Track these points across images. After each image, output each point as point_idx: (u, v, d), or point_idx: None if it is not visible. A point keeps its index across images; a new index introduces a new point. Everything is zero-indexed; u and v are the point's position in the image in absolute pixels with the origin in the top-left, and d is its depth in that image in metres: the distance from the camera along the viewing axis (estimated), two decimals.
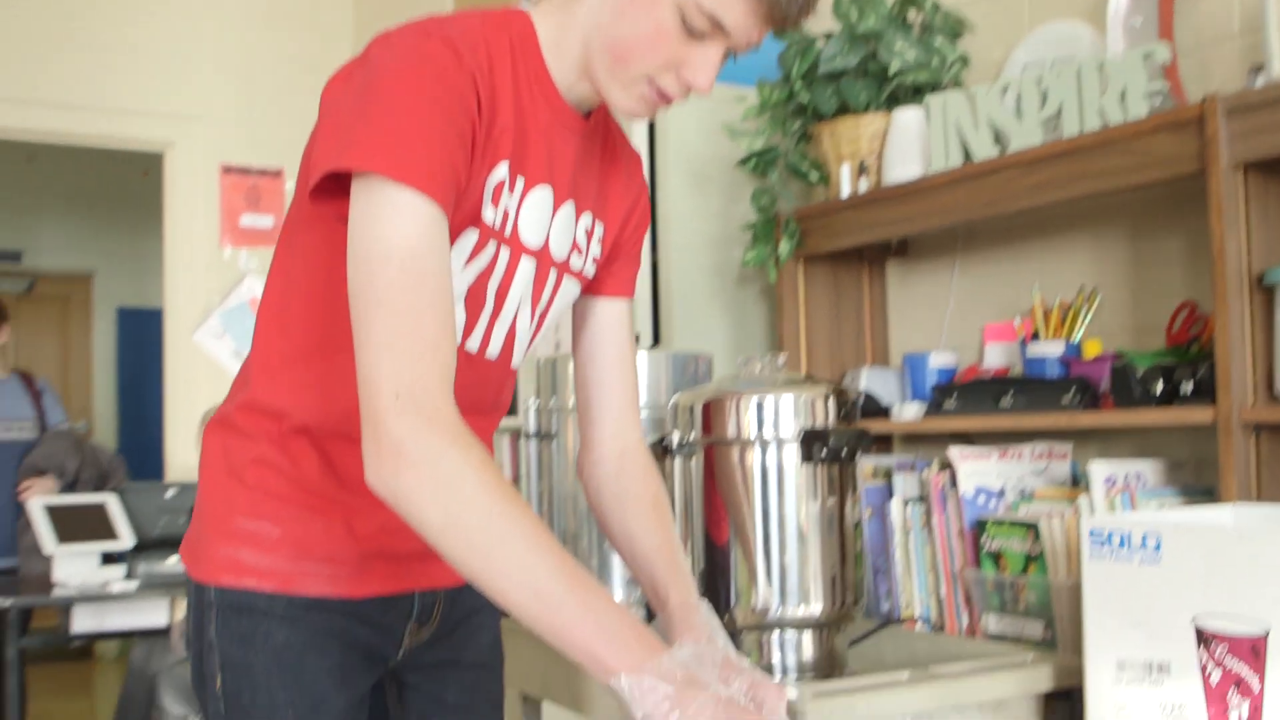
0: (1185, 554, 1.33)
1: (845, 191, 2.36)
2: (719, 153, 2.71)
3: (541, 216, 1.30)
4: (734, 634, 1.67)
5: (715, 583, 1.66)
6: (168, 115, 4.52)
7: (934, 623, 2.09)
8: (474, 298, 1.27)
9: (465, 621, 1.48)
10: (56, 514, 3.93)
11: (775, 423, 1.64)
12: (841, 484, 1.68)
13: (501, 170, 1.24)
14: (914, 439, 2.50)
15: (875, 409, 2.39)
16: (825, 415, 1.66)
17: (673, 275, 2.73)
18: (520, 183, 1.26)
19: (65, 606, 3.92)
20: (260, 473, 1.31)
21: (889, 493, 2.19)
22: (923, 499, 2.13)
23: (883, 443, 2.54)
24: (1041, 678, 1.61)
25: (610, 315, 1.47)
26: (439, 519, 1.10)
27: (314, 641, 1.31)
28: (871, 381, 2.41)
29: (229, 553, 1.31)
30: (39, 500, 3.97)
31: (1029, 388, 2.06)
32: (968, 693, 1.56)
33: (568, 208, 1.33)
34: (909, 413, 2.29)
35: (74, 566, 3.87)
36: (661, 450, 1.73)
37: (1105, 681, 1.40)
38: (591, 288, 1.46)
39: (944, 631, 2.05)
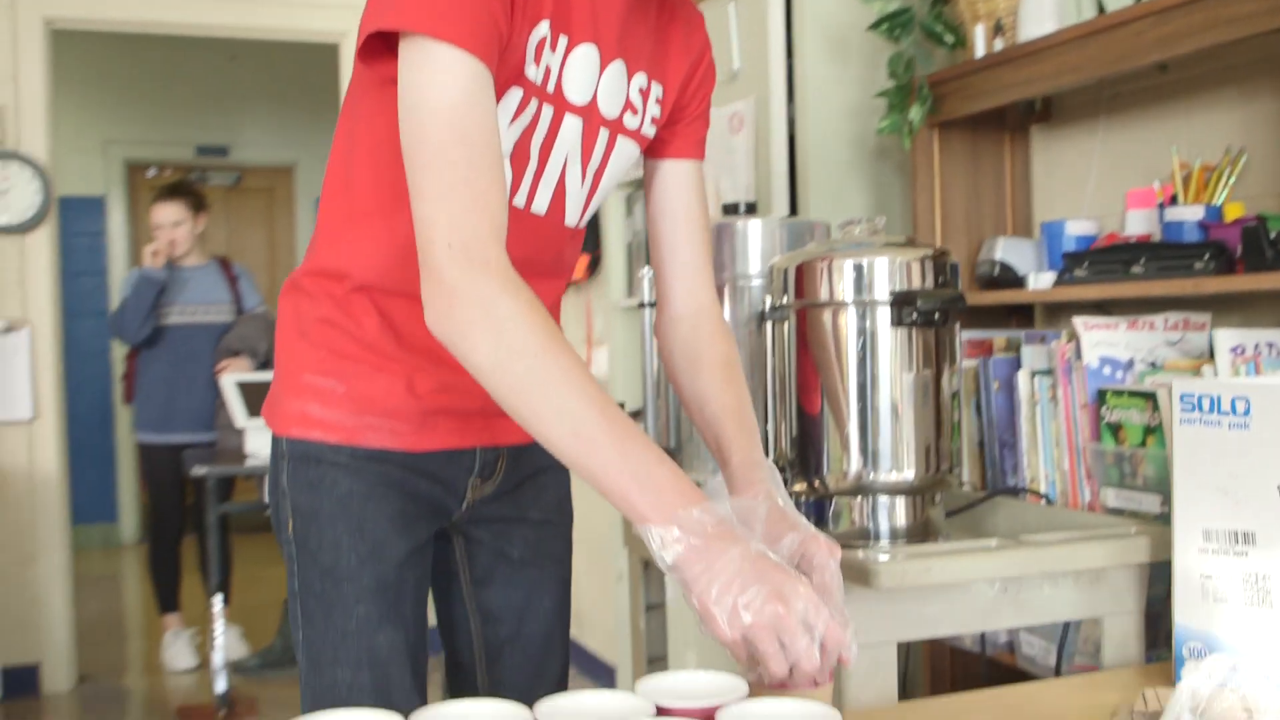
0: (1274, 418, 1.26)
1: (980, 52, 2.26)
2: (857, 19, 2.63)
3: (587, 75, 1.29)
4: (826, 500, 1.66)
5: (806, 449, 1.66)
6: (341, 6, 4.63)
7: (1058, 497, 2.04)
8: (519, 154, 1.29)
9: (531, 479, 1.51)
10: (248, 390, 4.17)
11: (868, 285, 1.61)
12: (938, 352, 1.64)
13: (543, 28, 1.23)
14: (1054, 311, 2.41)
15: (1010, 279, 2.31)
16: (921, 279, 1.62)
17: (810, 146, 2.68)
18: (563, 41, 1.26)
19: (260, 477, 4.19)
20: (325, 332, 1.36)
21: (1018, 365, 2.13)
22: (1050, 371, 2.06)
23: (1022, 315, 2.46)
24: (1138, 549, 1.56)
25: (678, 176, 1.46)
26: (488, 360, 1.13)
27: (375, 491, 1.37)
28: (1007, 251, 2.33)
29: (299, 407, 1.38)
30: (231, 377, 4.23)
31: (1162, 253, 1.95)
32: (1058, 561, 1.52)
33: (616, 66, 1.32)
34: (1041, 283, 2.21)
35: (264, 439, 4.11)
36: (759, 317, 1.72)
37: (1191, 551, 1.34)
38: (657, 149, 1.46)
39: (1065, 506, 2.00)
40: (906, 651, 2.41)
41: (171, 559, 4.74)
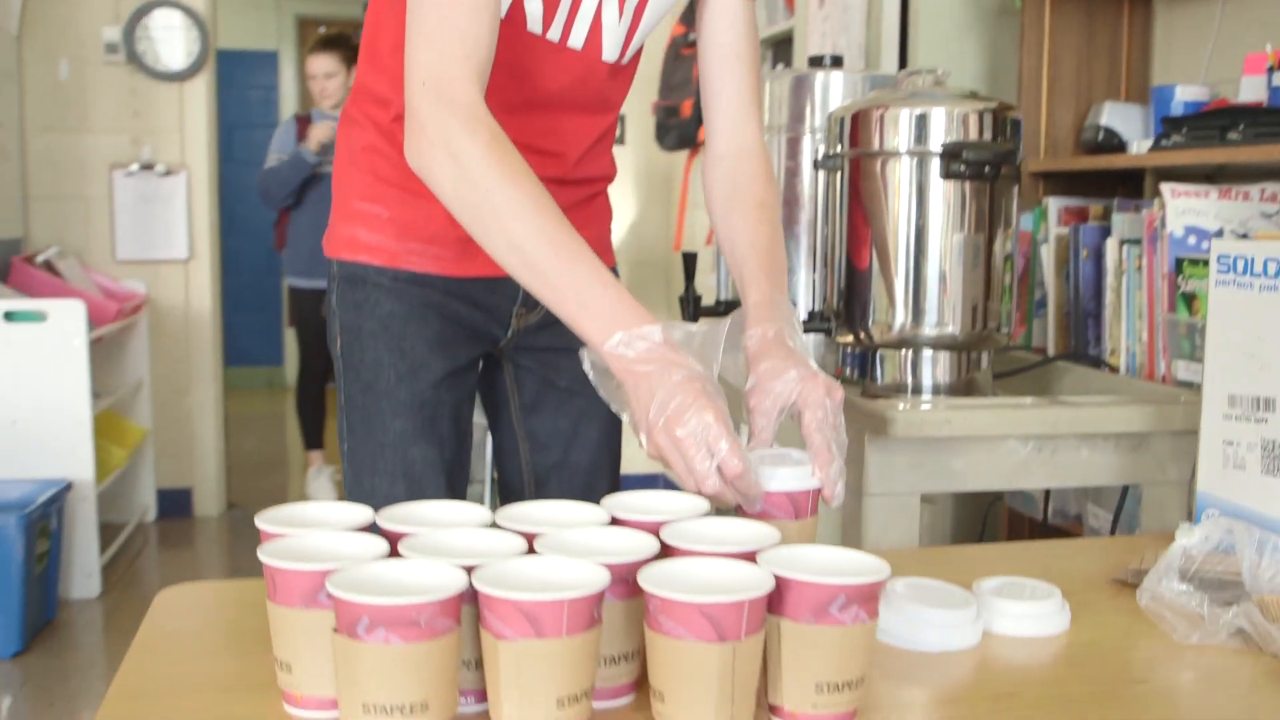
0: None
1: None
2: None
3: None
4: (870, 352, 1.66)
5: (853, 301, 1.66)
6: None
7: (1137, 369, 1.99)
8: None
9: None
10: None
11: (922, 136, 1.58)
12: (991, 211, 1.61)
13: None
14: (1163, 180, 2.31)
15: (1113, 146, 2.22)
16: (979, 132, 1.58)
17: (923, 1, 2.59)
18: None
19: None
20: (370, 158, 1.42)
21: (1108, 233, 2.07)
22: (1139, 241, 1.99)
23: (1131, 185, 2.36)
24: (1181, 417, 1.52)
25: (725, 12, 1.44)
26: (449, 193, 1.17)
27: (415, 313, 1.43)
28: (1113, 117, 2.24)
29: (348, 231, 1.45)
30: None
31: (1262, 120, 1.85)
32: (1094, 422, 1.50)
33: None
34: (1140, 148, 2.12)
35: None
36: (814, 165, 1.71)
37: (1217, 417, 1.30)
38: None
39: (1141, 379, 1.94)
40: (984, 520, 2.40)
41: (316, 398, 4.97)
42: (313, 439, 5.03)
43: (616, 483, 1.64)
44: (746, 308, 1.36)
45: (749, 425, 1.26)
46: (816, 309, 1.69)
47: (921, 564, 1.28)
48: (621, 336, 1.11)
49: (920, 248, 1.59)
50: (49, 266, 4.13)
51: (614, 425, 1.60)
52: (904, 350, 1.63)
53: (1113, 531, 1.77)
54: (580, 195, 1.50)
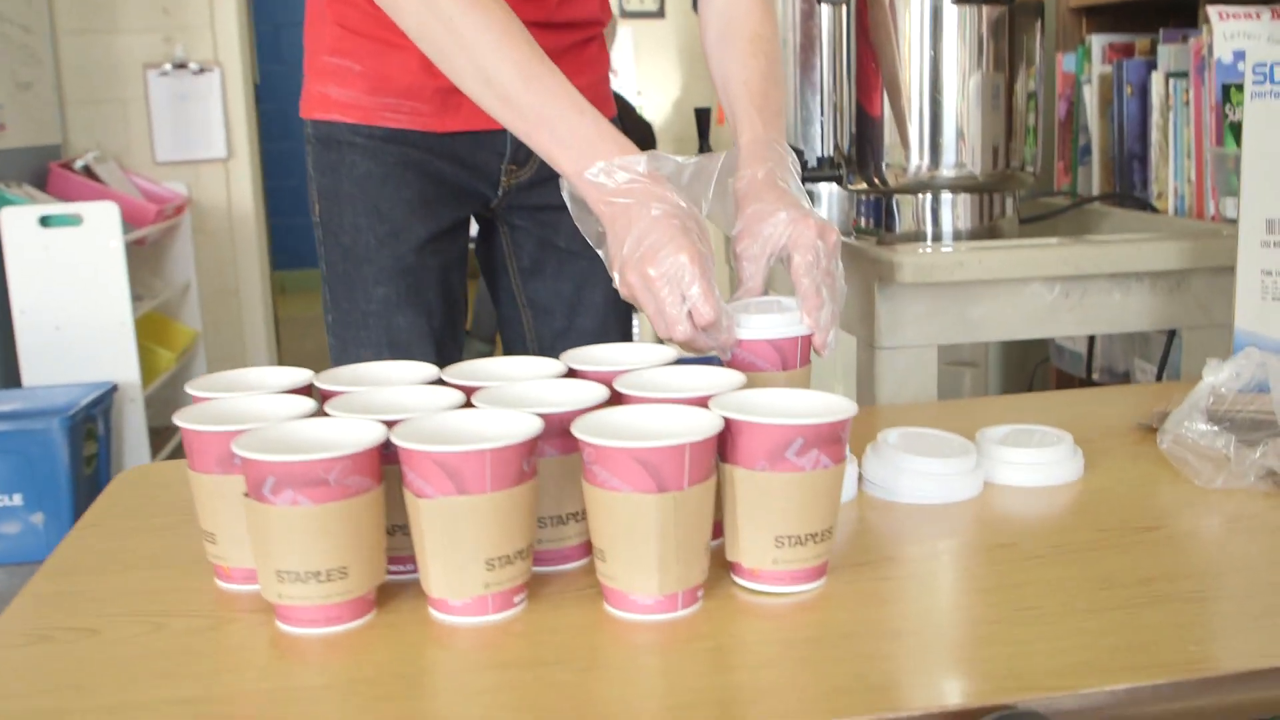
0: None
1: None
2: None
3: None
4: (885, 199, 1.55)
5: (865, 145, 1.54)
6: None
7: (1186, 210, 1.85)
8: None
9: None
10: None
11: None
12: (1012, 45, 1.47)
13: None
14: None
15: None
16: None
17: None
18: None
19: None
20: (338, 9, 1.33)
21: (1153, 67, 1.91)
22: (1186, 74, 1.84)
23: (1178, 14, 2.19)
24: (1223, 253, 1.39)
25: None
26: (413, 22, 1.08)
27: (393, 173, 1.35)
28: None
29: (319, 88, 1.37)
30: None
31: None
32: (1126, 260, 1.38)
33: None
34: None
35: None
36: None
37: (1254, 245, 1.18)
38: None
39: (1190, 220, 1.81)
40: (1030, 382, 2.28)
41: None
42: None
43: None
44: (737, 148, 1.26)
45: (736, 272, 1.17)
46: (826, 155, 1.58)
47: (929, 417, 1.19)
48: (602, 166, 1.03)
49: (935, 84, 1.46)
50: (88, 171, 4.10)
51: None
52: (921, 195, 1.51)
53: (1159, 382, 1.65)
54: (567, 41, 1.39)
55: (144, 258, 4.20)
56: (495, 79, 1.05)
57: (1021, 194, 1.58)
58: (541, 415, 0.82)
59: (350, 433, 0.81)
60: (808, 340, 1.08)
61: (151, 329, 4.03)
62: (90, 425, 3.28)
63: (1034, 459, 1.00)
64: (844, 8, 1.53)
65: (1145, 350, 1.88)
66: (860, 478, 1.01)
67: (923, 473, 0.96)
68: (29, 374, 3.50)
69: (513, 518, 0.77)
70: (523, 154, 1.39)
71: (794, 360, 1.06)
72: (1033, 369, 2.26)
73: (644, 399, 0.86)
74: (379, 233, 1.36)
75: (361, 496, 0.77)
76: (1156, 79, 1.88)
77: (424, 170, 1.36)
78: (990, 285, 1.36)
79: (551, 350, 1.54)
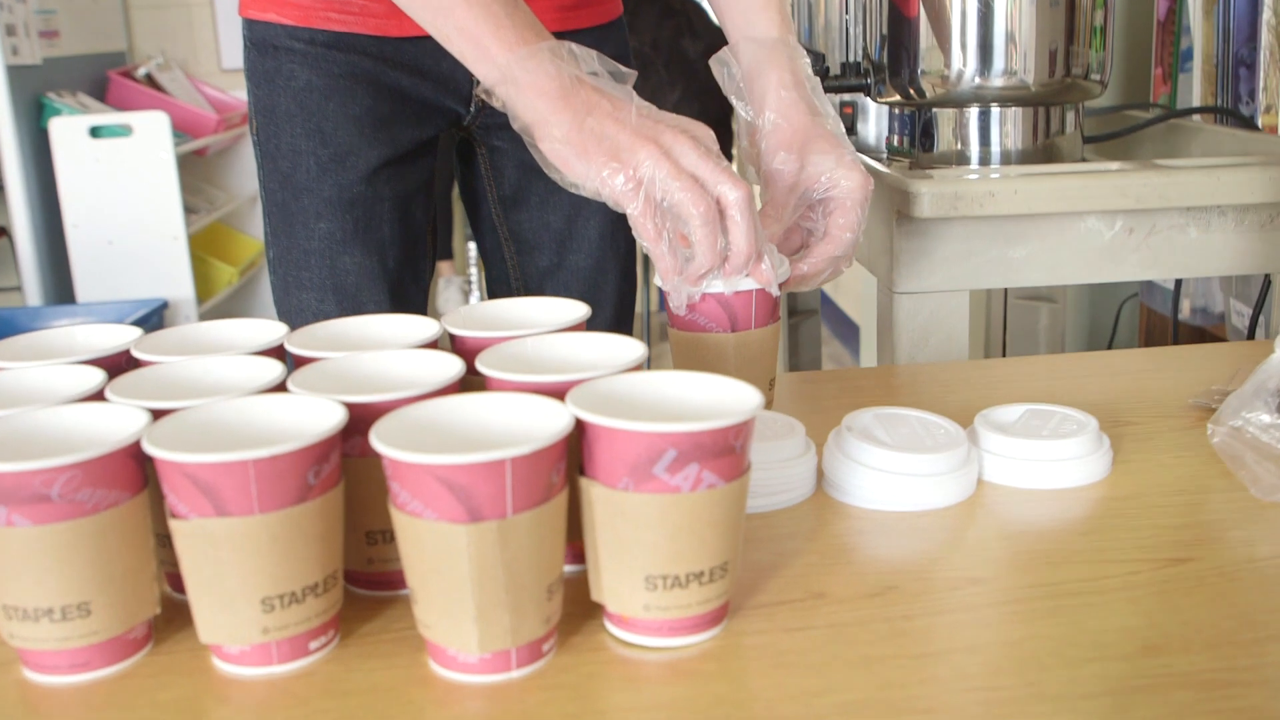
0: None
1: None
2: None
3: None
4: (923, 110, 1.31)
5: (898, 48, 1.29)
6: None
7: None
8: None
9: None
10: None
11: None
12: None
13: None
14: None
15: None
16: None
17: None
18: None
19: None
20: None
21: None
22: None
23: None
24: None
25: None
26: None
27: (339, 85, 1.16)
28: None
29: None
30: None
31: None
32: (1204, 192, 1.13)
33: None
34: None
35: None
36: None
37: None
38: None
39: None
40: (1115, 322, 2.02)
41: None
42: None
43: (628, 293, 1.36)
44: (740, 53, 1.02)
45: (762, 183, 0.96)
46: (851, 60, 1.34)
47: (938, 384, 0.97)
48: (552, 46, 0.85)
49: None
50: (150, 80, 3.98)
51: (619, 219, 1.31)
52: (965, 110, 1.27)
53: (1250, 336, 1.39)
54: None
55: (207, 168, 4.09)
56: None
57: (1087, 106, 1.33)
58: (352, 405, 0.63)
59: (113, 427, 0.63)
60: (770, 296, 0.87)
61: (213, 242, 3.93)
62: None
63: (1040, 453, 0.78)
64: None
65: (1244, 289, 1.62)
66: (820, 472, 0.80)
67: (886, 470, 0.75)
68: (83, 289, 3.42)
69: (296, 546, 0.59)
70: None
71: (746, 318, 0.86)
72: (1118, 306, 2.00)
73: (502, 383, 0.66)
74: (321, 157, 1.17)
75: (104, 514, 0.59)
76: None
77: (376, 83, 1.17)
78: (1035, 220, 1.13)
79: (539, 288, 1.34)
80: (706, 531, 0.59)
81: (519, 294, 1.35)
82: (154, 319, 3.28)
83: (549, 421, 0.59)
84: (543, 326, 0.76)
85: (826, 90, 1.33)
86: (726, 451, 0.58)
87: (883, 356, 1.20)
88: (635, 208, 0.82)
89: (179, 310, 3.44)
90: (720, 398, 0.63)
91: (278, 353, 0.77)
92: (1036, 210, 1.09)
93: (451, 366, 0.68)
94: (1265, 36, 1.61)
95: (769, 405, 0.91)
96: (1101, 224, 1.14)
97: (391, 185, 1.20)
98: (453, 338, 0.78)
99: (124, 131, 3.36)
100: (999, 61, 1.23)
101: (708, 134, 0.84)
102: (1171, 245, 1.16)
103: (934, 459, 0.75)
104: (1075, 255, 1.16)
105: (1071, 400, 0.91)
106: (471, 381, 0.69)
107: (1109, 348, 2.00)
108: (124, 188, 3.38)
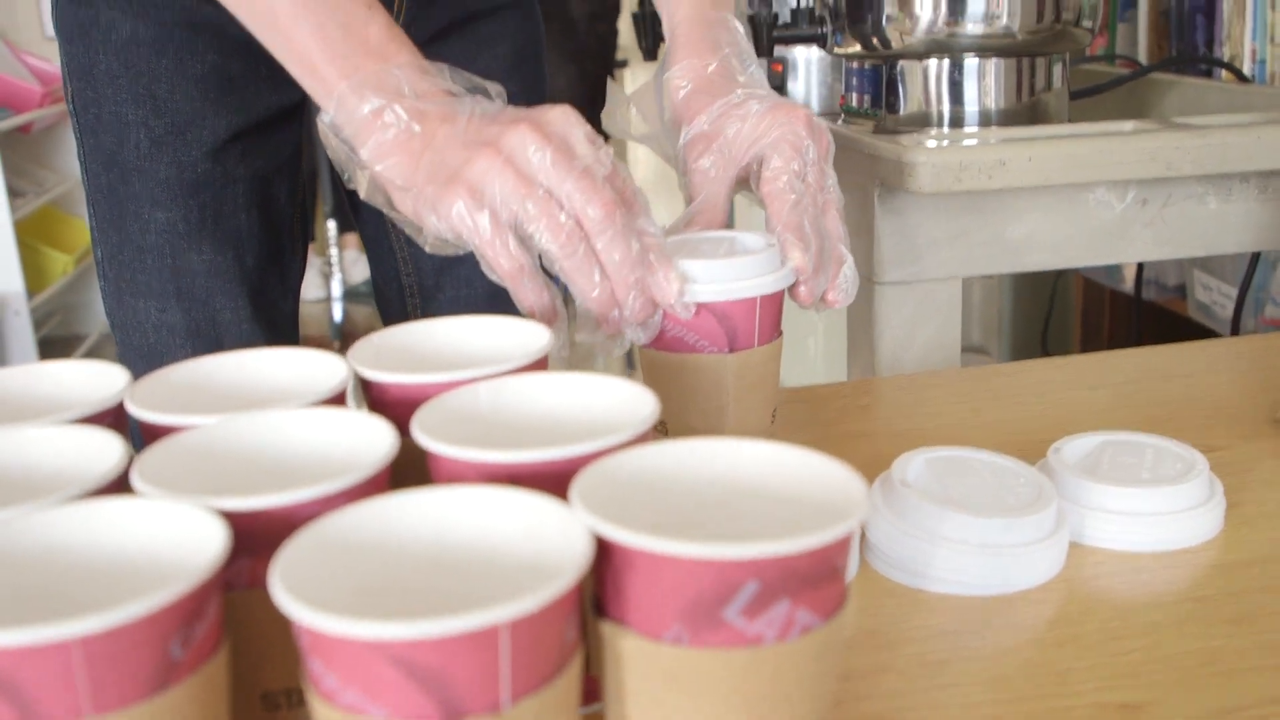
0: None
1: None
2: None
3: None
4: (887, 66, 1.12)
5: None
6: None
7: (1269, 78, 1.43)
8: None
9: (464, 29, 1.03)
10: None
11: None
12: None
13: None
14: None
15: None
16: None
17: None
18: None
19: None
20: None
21: None
22: None
23: None
24: None
25: None
26: None
27: (173, 37, 0.93)
28: None
29: None
30: None
31: None
32: (1230, 155, 0.96)
33: None
34: None
35: None
36: None
37: None
38: None
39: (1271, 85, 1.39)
40: (1051, 295, 1.88)
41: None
42: None
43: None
44: (674, 25, 0.83)
45: (687, 192, 0.76)
46: (804, 5, 1.14)
47: (958, 396, 0.78)
48: (384, 72, 0.66)
49: None
50: None
51: None
52: (936, 61, 1.09)
53: (1236, 316, 1.24)
54: None
55: (33, 145, 3.72)
56: None
57: (1074, 58, 1.16)
58: (237, 514, 0.41)
59: None
60: (776, 300, 0.68)
61: (44, 228, 3.58)
62: None
63: (1147, 505, 0.60)
64: None
65: (1205, 260, 1.47)
66: (862, 539, 0.61)
67: (970, 543, 0.56)
68: None
69: None
70: None
71: (749, 334, 0.66)
72: (1054, 278, 1.85)
73: (461, 466, 0.45)
74: (154, 130, 0.93)
75: None
76: None
77: (221, 33, 0.93)
78: (1036, 193, 0.95)
79: (436, 288, 1.11)
80: (796, 693, 0.39)
81: (410, 292, 1.13)
82: None
83: (555, 544, 0.38)
84: (492, 361, 0.55)
85: (775, 41, 1.14)
86: (828, 577, 0.38)
87: (858, 356, 1.01)
88: (478, 237, 0.61)
89: (7, 305, 3.10)
90: (798, 478, 0.42)
91: (115, 415, 0.54)
92: (1054, 181, 0.91)
93: (380, 440, 0.46)
94: None
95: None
96: (1111, 195, 0.97)
97: (246, 162, 0.97)
98: (365, 385, 0.56)
99: None
100: (978, 4, 1.04)
101: (565, 121, 0.63)
102: (1188, 218, 0.99)
103: (1026, 524, 0.56)
104: (1081, 233, 0.98)
105: (1125, 417, 0.74)
106: (405, 456, 0.47)
107: (1045, 326, 1.85)
108: None
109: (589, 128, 0.64)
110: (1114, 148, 0.91)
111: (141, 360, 0.97)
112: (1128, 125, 0.97)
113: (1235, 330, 1.26)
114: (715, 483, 0.43)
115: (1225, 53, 1.47)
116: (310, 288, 4.48)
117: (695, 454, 0.44)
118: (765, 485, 0.43)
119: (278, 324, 1.02)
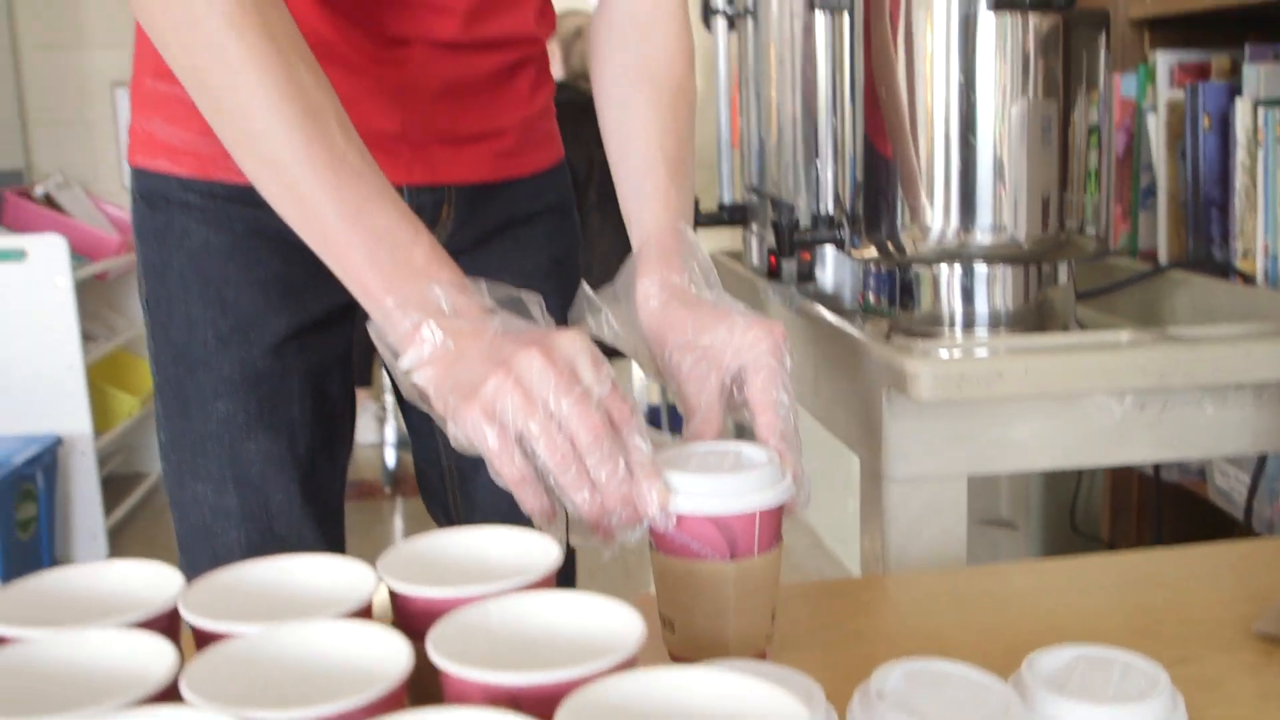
0: None
1: None
2: None
3: None
4: (902, 270, 1.19)
5: (875, 199, 1.18)
6: None
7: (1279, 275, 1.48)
8: None
9: (504, 233, 1.12)
10: None
11: None
12: (1066, 63, 1.12)
13: None
14: None
15: None
16: None
17: None
18: None
19: None
20: None
21: (1237, 92, 1.55)
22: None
23: (1267, 27, 1.82)
24: None
25: None
26: (180, 66, 0.80)
27: (241, 245, 1.02)
28: None
29: (143, 124, 1.05)
30: None
31: None
32: (1223, 367, 1.02)
33: None
34: None
35: None
36: (806, 6, 1.23)
37: None
38: None
39: None
40: (1077, 485, 1.91)
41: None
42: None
43: None
44: (643, 236, 0.93)
45: (683, 408, 0.84)
46: (824, 212, 1.22)
47: (956, 599, 0.83)
48: (430, 289, 0.75)
49: (964, 116, 1.11)
50: (49, 199, 3.79)
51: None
52: (947, 267, 1.16)
53: (1248, 510, 1.29)
54: (488, 67, 1.06)
55: (108, 291, 3.89)
56: (288, 168, 0.76)
57: (1081, 261, 1.23)
58: None
59: None
60: (776, 513, 0.74)
61: (114, 370, 3.72)
62: (27, 485, 2.96)
63: None
64: (845, 16, 1.17)
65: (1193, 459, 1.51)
66: None
67: None
68: None
69: None
70: (427, 216, 1.05)
71: (749, 544, 0.72)
72: (1077, 478, 1.88)
73: (468, 687, 0.51)
74: (220, 328, 1.02)
75: None
76: (1241, 107, 1.52)
77: (285, 241, 1.01)
78: (1036, 398, 1.01)
79: (473, 472, 1.18)
80: None
81: (449, 476, 1.20)
82: (46, 457, 3.05)
83: None
84: (508, 573, 0.61)
85: (795, 243, 1.22)
86: None
87: (870, 544, 1.07)
88: (487, 448, 0.70)
89: (74, 446, 3.21)
90: (755, 713, 0.48)
91: (170, 617, 0.61)
92: (1048, 390, 0.97)
93: (398, 658, 0.53)
94: (1240, 178, 1.53)
95: (768, 642, 0.76)
96: (1111, 400, 1.03)
97: (302, 357, 1.06)
98: (392, 593, 0.62)
99: (17, 256, 3.17)
100: (986, 216, 1.12)
101: (572, 347, 0.72)
102: (1187, 423, 1.05)
103: None
104: (1083, 435, 1.04)
105: (1108, 626, 0.78)
106: (425, 659, 0.54)
107: (1074, 501, 1.89)
108: (17, 315, 3.17)
109: (594, 351, 0.72)
110: (1107, 360, 0.97)
111: (198, 540, 1.04)
112: (1124, 335, 1.04)
113: (1248, 519, 1.30)
114: (690, 713, 0.49)
115: (1239, 247, 1.53)
116: (365, 432, 4.58)
117: (669, 683, 0.50)
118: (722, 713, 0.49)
119: (326, 503, 1.09)
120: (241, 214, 1.01)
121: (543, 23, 1.10)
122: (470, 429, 0.71)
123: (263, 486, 1.04)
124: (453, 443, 0.73)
